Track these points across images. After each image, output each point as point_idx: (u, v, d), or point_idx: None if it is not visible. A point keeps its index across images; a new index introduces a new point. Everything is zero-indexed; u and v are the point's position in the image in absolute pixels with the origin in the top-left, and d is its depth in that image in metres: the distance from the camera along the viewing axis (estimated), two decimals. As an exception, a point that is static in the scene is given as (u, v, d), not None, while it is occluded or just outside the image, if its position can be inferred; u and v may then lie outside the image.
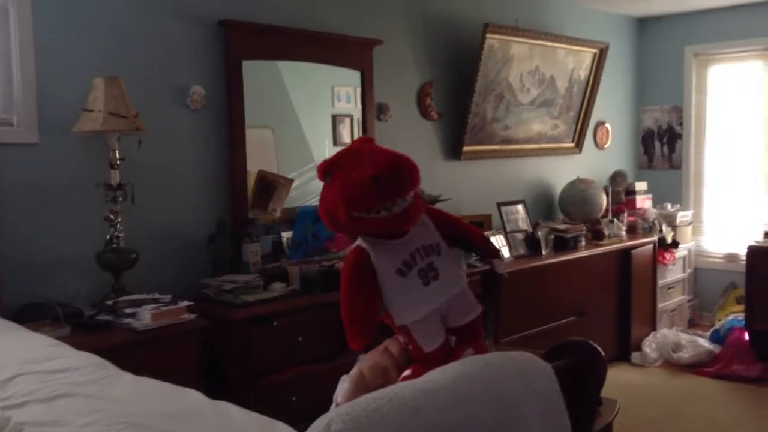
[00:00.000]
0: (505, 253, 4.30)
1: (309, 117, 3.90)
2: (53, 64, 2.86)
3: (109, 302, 2.77)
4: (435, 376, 1.08)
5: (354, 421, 0.93)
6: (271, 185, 3.60)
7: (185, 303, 2.81)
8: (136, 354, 2.48)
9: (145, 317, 2.65)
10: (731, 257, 5.72)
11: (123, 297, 2.79)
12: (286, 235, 3.58)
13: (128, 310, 2.70)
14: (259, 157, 3.57)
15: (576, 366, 1.22)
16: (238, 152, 3.42)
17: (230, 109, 3.39)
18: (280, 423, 1.73)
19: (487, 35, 4.37)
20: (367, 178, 1.19)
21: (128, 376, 1.91)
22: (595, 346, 1.31)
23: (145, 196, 3.02)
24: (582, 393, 1.20)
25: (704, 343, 4.95)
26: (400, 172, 1.23)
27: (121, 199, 2.88)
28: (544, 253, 4.50)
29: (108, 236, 2.87)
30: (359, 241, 1.29)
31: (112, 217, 2.87)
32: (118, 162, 2.87)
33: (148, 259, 3.04)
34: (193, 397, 1.80)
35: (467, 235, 1.37)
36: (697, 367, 4.77)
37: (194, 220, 3.30)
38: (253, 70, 3.47)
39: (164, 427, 1.55)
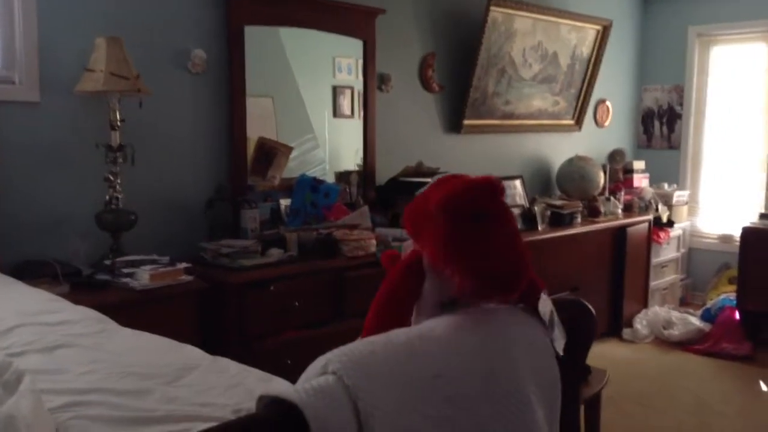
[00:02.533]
0: (502, 226, 4.32)
1: (309, 87, 3.90)
2: (55, 23, 2.86)
3: (108, 262, 2.80)
4: (430, 324, 1.11)
5: (351, 362, 0.96)
6: (270, 152, 3.61)
7: (183, 265, 2.84)
8: (134, 313, 2.50)
9: (143, 277, 2.68)
10: (725, 238, 5.76)
11: (121, 257, 2.81)
12: (284, 202, 3.61)
13: (126, 270, 2.72)
14: (258, 126, 3.58)
15: (565, 320, 1.24)
16: (239, 118, 3.43)
17: (231, 74, 3.39)
18: (276, 377, 1.76)
19: (491, 8, 4.35)
20: (472, 271, 1.12)
21: (127, 331, 1.94)
22: (586, 303, 1.34)
23: (144, 158, 3.03)
24: (572, 346, 1.23)
25: (695, 321, 5.00)
26: (507, 285, 1.15)
27: (121, 160, 2.89)
28: (540, 228, 4.52)
29: (107, 197, 2.89)
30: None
31: (111, 178, 2.88)
32: (119, 123, 2.88)
33: (147, 220, 3.06)
34: (191, 351, 1.83)
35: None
36: (687, 344, 4.83)
37: (193, 184, 3.32)
38: (254, 38, 3.47)
39: (163, 377, 1.58)
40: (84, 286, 2.65)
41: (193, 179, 3.32)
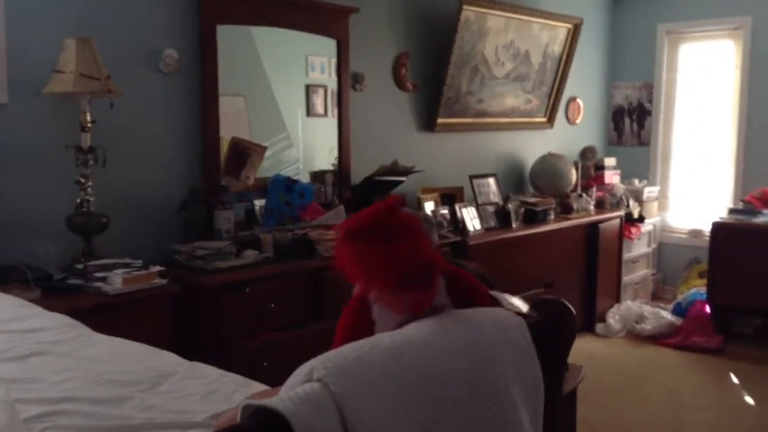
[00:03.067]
0: (477, 225, 4.34)
1: (282, 87, 3.87)
2: (23, 24, 2.80)
3: (79, 266, 2.75)
4: (414, 328, 1.10)
5: (336, 368, 0.95)
6: (244, 152, 3.58)
7: (157, 268, 2.80)
8: (107, 318, 2.46)
9: (116, 281, 2.64)
10: (695, 233, 5.84)
11: (93, 261, 2.77)
12: (258, 203, 3.58)
13: (99, 274, 2.68)
14: (231, 125, 3.54)
15: (546, 321, 1.25)
16: (212, 118, 3.39)
17: (204, 73, 3.36)
18: (255, 382, 1.75)
19: (464, 7, 4.36)
20: (382, 282, 1.21)
21: (101, 337, 1.91)
22: (566, 303, 1.34)
23: (116, 159, 2.98)
24: (553, 347, 1.23)
25: (667, 315, 5.07)
26: (415, 289, 1.21)
27: (92, 162, 2.84)
28: (514, 225, 4.55)
29: (78, 200, 2.83)
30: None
31: (82, 180, 2.83)
32: (89, 124, 2.83)
33: (119, 223, 3.01)
34: (168, 357, 1.81)
35: (477, 303, 1.34)
36: (659, 338, 4.89)
37: (166, 185, 3.27)
38: (226, 37, 3.43)
39: (140, 384, 1.55)
40: (55, 291, 2.60)
41: (166, 180, 3.28)
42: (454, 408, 1.04)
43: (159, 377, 1.62)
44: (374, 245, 1.22)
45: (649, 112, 6.08)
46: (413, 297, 1.21)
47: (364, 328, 1.25)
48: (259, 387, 1.69)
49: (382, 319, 1.25)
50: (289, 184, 3.56)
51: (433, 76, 4.52)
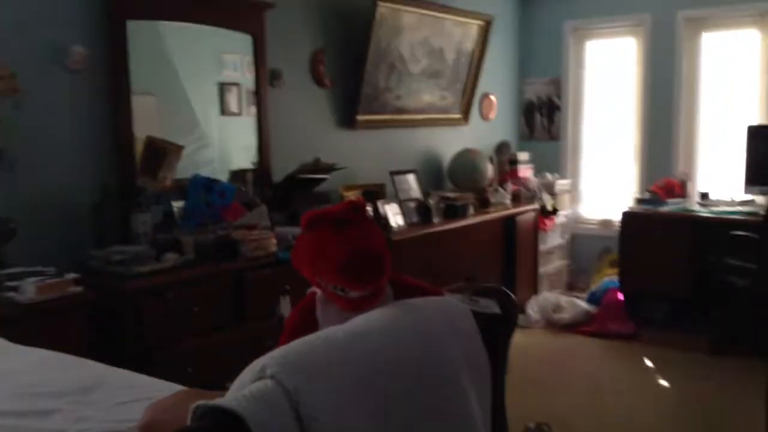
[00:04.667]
0: (399, 221, 4.35)
1: (195, 85, 3.76)
2: None
3: (-12, 276, 2.59)
4: (365, 319, 1.08)
5: (289, 364, 0.92)
6: (160, 151, 3.46)
7: (72, 275, 2.67)
8: (22, 329, 2.33)
9: (29, 290, 2.51)
10: (606, 223, 6.06)
11: (3, 270, 2.61)
12: (177, 204, 3.46)
13: (10, 284, 2.54)
14: (141, 125, 3.40)
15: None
16: (124, 116, 3.26)
17: (114, 70, 3.22)
18: (186, 388, 1.69)
19: (378, 3, 4.36)
20: (334, 264, 1.26)
21: (21, 348, 1.80)
22: (507, 291, 1.36)
23: (23, 162, 2.83)
24: (498, 333, 1.24)
25: (582, 304, 5.24)
26: (363, 271, 1.27)
27: (-3, 165, 2.68)
28: (435, 220, 4.59)
29: (-17, 205, 2.67)
30: (315, 289, 1.38)
31: (-13, 184, 2.67)
32: (-7, 125, 2.67)
33: (29, 229, 2.85)
34: (93, 366, 1.72)
35: None
36: (576, 326, 5.05)
37: (78, 188, 3.12)
38: (134, 34, 3.30)
39: (69, 395, 1.47)
40: (-38, 304, 2.44)
41: (78, 183, 3.12)
42: (407, 398, 1.03)
43: (87, 387, 1.53)
44: (328, 231, 1.28)
45: (558, 108, 6.26)
46: (360, 287, 1.21)
47: (309, 326, 1.24)
48: (188, 389, 1.63)
49: (327, 317, 1.25)
50: (209, 184, 3.46)
51: (351, 72, 4.50)
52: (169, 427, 1.02)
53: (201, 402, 0.86)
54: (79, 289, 2.66)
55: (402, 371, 1.03)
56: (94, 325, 2.68)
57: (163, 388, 1.64)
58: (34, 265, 2.69)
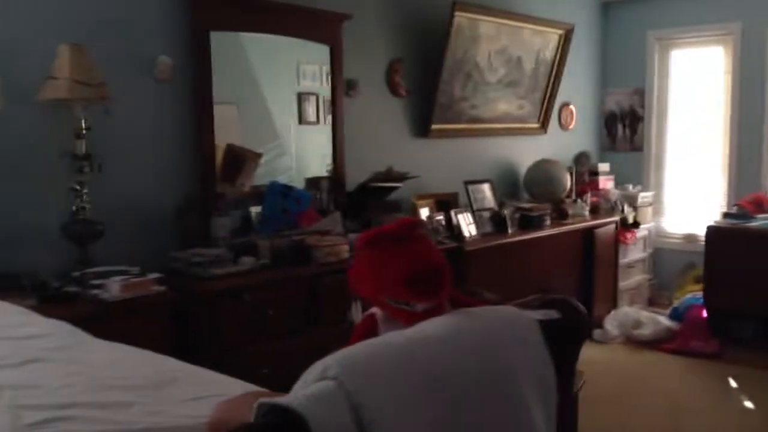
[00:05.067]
0: (473, 230, 4.33)
1: (274, 94, 3.87)
2: (17, 30, 2.78)
3: (76, 274, 2.72)
4: (426, 326, 1.09)
5: (351, 366, 0.93)
6: (239, 159, 3.56)
7: (154, 275, 2.77)
8: (105, 326, 2.41)
9: (113, 289, 2.61)
10: (690, 237, 5.85)
11: (90, 269, 2.74)
12: (254, 210, 3.55)
13: (96, 282, 2.65)
14: (223, 133, 3.52)
15: (559, 320, 1.24)
16: (207, 125, 3.37)
17: (198, 80, 3.34)
18: (258, 387, 1.72)
19: (456, 13, 4.37)
20: (399, 277, 1.27)
21: (102, 343, 1.88)
22: (576, 303, 1.33)
23: (111, 167, 2.96)
24: (564, 346, 1.22)
25: (664, 320, 5.07)
26: (429, 283, 1.29)
27: (87, 169, 2.82)
28: (510, 231, 4.54)
29: (74, 207, 2.81)
30: (375, 310, 1.40)
31: (77, 187, 2.81)
32: (84, 131, 2.81)
33: (115, 231, 2.98)
34: (170, 362, 1.78)
35: None
36: (656, 343, 4.88)
37: (161, 192, 3.25)
38: (217, 45, 3.42)
39: (144, 389, 1.53)
40: (53, 299, 2.57)
41: (162, 188, 3.25)
42: (467, 407, 1.03)
43: (162, 382, 1.59)
44: (388, 248, 1.30)
45: (641, 118, 6.10)
46: (426, 299, 1.22)
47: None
48: (263, 393, 1.66)
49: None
50: (285, 190, 3.54)
51: (427, 82, 4.52)
52: (236, 424, 1.05)
53: (264, 399, 0.88)
54: (161, 288, 2.75)
55: (462, 379, 1.02)
56: (174, 324, 2.77)
57: (235, 387, 1.68)
58: (120, 265, 2.81)
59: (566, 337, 1.27)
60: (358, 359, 0.95)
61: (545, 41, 5.23)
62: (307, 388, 0.91)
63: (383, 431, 0.90)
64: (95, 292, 2.60)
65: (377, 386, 0.93)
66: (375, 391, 0.92)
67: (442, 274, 1.29)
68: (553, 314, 1.25)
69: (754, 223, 4.88)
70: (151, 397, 1.51)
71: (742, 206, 5.14)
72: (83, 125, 2.81)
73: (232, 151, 3.54)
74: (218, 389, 1.63)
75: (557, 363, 1.21)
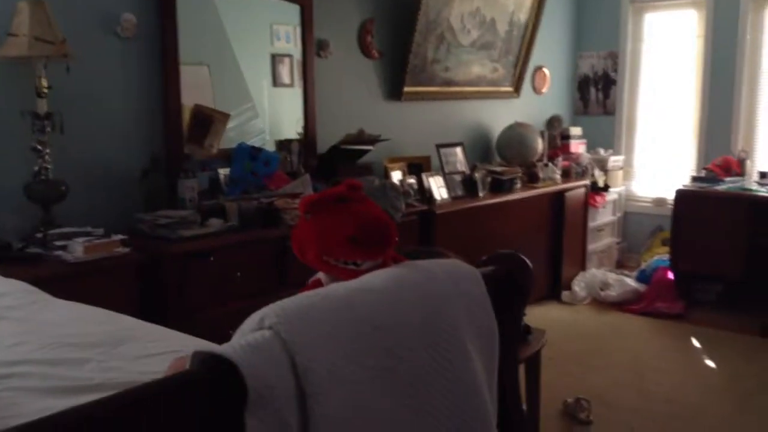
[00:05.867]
0: (444, 194, 4.35)
1: (247, 56, 3.81)
2: (-27, -15, 2.71)
3: (39, 235, 2.70)
4: (368, 278, 1.10)
5: (288, 316, 0.94)
6: (207, 120, 3.53)
7: (119, 236, 2.76)
8: (68, 287, 2.40)
9: (77, 250, 2.60)
10: (659, 201, 5.92)
11: (53, 230, 2.72)
12: (222, 171, 3.53)
13: (59, 243, 2.64)
14: (194, 95, 3.48)
15: (502, 273, 1.25)
16: (173, 84, 3.33)
17: (163, 38, 3.29)
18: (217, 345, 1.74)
19: (429, -27, 4.33)
20: (344, 236, 1.27)
21: (60, 302, 1.88)
22: (522, 256, 1.35)
23: (74, 126, 2.92)
24: (508, 298, 1.24)
25: (631, 282, 5.15)
26: (375, 239, 1.29)
27: (49, 129, 2.78)
28: (481, 194, 4.56)
29: (36, 167, 2.77)
30: (320, 275, 1.40)
31: (39, 147, 2.77)
32: (45, 90, 2.76)
33: (78, 192, 2.96)
34: (127, 320, 1.79)
35: None
36: (623, 304, 4.97)
37: (126, 153, 3.22)
38: (188, 4, 3.36)
39: (100, 346, 1.54)
40: (15, 260, 2.55)
41: (126, 148, 3.22)
42: (406, 356, 1.05)
43: (119, 339, 1.60)
44: (331, 209, 1.30)
45: (614, 82, 6.11)
46: (372, 255, 1.22)
47: None
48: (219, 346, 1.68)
49: None
50: (253, 152, 3.52)
51: (399, 43, 4.49)
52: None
53: (199, 349, 0.89)
54: (126, 250, 2.74)
55: (402, 330, 1.04)
56: (140, 286, 2.77)
57: (193, 344, 1.69)
58: (84, 226, 2.80)
59: (511, 291, 1.29)
60: (295, 309, 0.97)
61: (519, 3, 5.20)
62: (243, 338, 0.92)
63: (318, 379, 0.92)
64: (58, 253, 2.59)
65: (314, 335, 0.94)
66: (310, 340, 0.93)
67: (387, 232, 1.29)
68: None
69: (721, 187, 4.94)
70: (106, 354, 1.52)
71: (710, 170, 5.20)
72: (44, 84, 2.76)
73: (199, 111, 3.50)
74: (176, 346, 1.64)
75: (501, 318, 1.23)
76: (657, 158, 6.06)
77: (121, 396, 0.82)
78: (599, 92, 6.20)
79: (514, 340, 1.35)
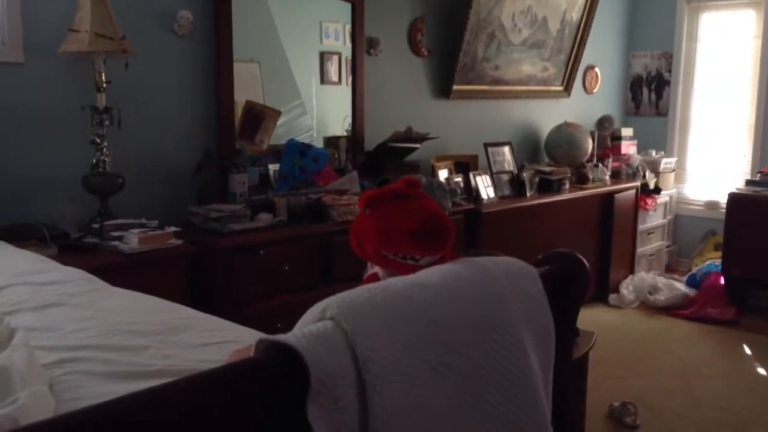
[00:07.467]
0: (491, 193, 4.33)
1: (296, 53, 3.86)
2: (38, -18, 2.80)
3: (96, 225, 2.78)
4: (426, 273, 1.11)
5: (349, 307, 0.96)
6: (258, 116, 3.58)
7: (172, 228, 2.82)
8: (123, 276, 2.45)
9: (132, 241, 2.66)
10: (711, 205, 5.80)
11: (109, 221, 2.79)
12: (272, 167, 3.58)
13: (115, 234, 2.71)
14: (245, 92, 3.54)
15: (559, 272, 1.25)
16: (226, 81, 3.38)
17: (218, 36, 3.34)
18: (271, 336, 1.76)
19: (480, -29, 4.31)
20: (405, 231, 1.27)
21: (118, 290, 1.93)
22: (579, 256, 1.34)
23: (131, 121, 2.99)
24: (564, 297, 1.24)
25: (680, 286, 5.06)
26: (435, 234, 1.30)
27: (107, 122, 2.85)
28: (528, 194, 4.53)
29: (94, 160, 2.85)
30: (377, 269, 1.41)
31: (98, 140, 2.85)
32: (104, 85, 2.84)
33: (134, 184, 3.03)
34: (184, 310, 1.83)
35: None
36: (672, 309, 4.88)
37: (180, 148, 3.28)
38: (240, 2, 3.41)
39: (158, 334, 1.57)
40: (72, 249, 2.63)
41: (180, 143, 3.29)
42: (464, 351, 1.05)
43: (176, 328, 1.63)
44: (391, 205, 1.30)
45: (667, 82, 6.00)
46: (431, 251, 1.23)
47: None
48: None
49: None
50: (303, 149, 3.55)
51: (449, 41, 4.48)
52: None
53: (264, 337, 0.91)
54: (179, 242, 2.79)
55: (459, 325, 1.04)
56: (190, 278, 2.82)
57: (248, 335, 1.72)
58: (138, 218, 2.86)
59: (567, 290, 1.28)
60: (356, 301, 0.98)
61: (572, 2, 5.14)
62: (306, 327, 0.94)
63: (378, 369, 0.93)
64: (114, 243, 2.66)
65: (374, 327, 0.95)
66: (371, 331, 0.95)
67: (446, 228, 1.30)
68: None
69: (777, 191, 4.81)
70: (165, 342, 1.55)
71: (765, 174, 5.07)
72: (104, 79, 2.83)
73: (251, 108, 3.55)
74: (232, 336, 1.67)
75: (556, 318, 1.23)
76: (710, 161, 5.94)
77: (190, 379, 0.85)
78: (652, 93, 6.09)
79: (570, 341, 1.34)
